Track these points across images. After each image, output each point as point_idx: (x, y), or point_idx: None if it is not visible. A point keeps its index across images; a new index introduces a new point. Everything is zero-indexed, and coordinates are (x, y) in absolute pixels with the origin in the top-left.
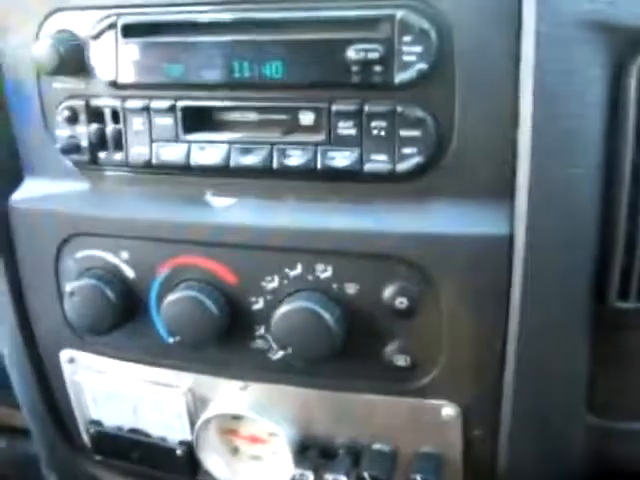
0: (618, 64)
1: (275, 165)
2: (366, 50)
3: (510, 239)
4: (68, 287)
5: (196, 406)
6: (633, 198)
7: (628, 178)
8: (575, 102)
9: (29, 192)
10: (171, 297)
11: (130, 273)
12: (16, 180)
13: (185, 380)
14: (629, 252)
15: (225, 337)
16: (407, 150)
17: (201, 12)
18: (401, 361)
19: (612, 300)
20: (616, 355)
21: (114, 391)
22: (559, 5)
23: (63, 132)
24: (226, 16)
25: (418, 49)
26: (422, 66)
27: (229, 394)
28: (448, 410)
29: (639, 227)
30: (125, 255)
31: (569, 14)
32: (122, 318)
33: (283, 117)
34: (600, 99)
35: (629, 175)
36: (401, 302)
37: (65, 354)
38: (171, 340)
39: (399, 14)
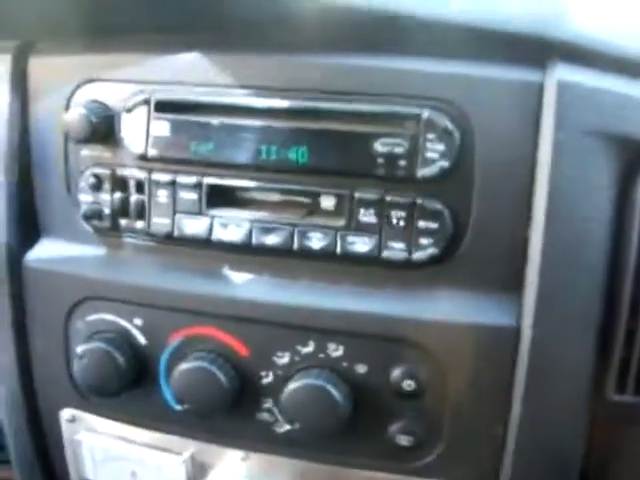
0: (627, 173)
1: (296, 246)
2: (392, 144)
3: (517, 331)
4: (79, 349)
5: (195, 474)
6: (634, 298)
7: (630, 280)
8: (585, 206)
9: (44, 252)
10: (183, 366)
11: (142, 339)
12: (32, 239)
13: (187, 447)
14: (628, 347)
15: (232, 407)
16: (424, 240)
17: (234, 95)
18: (404, 441)
19: (610, 393)
20: (612, 448)
21: (114, 453)
22: (575, 117)
23: (86, 197)
24: (257, 102)
25: (441, 147)
26: (444, 163)
27: (230, 464)
28: None
29: (639, 324)
30: (138, 321)
31: (584, 126)
32: (130, 383)
33: (305, 200)
34: (609, 205)
35: (631, 278)
36: (408, 384)
37: (66, 413)
38: (179, 408)
39: (425, 113)
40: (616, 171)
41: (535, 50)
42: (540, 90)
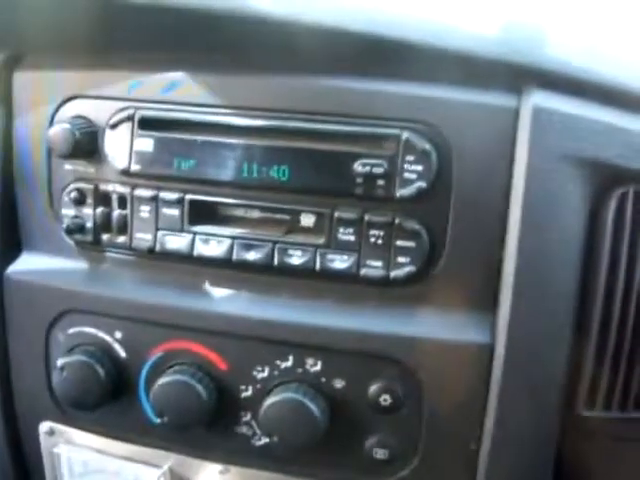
0: (597, 196)
1: (276, 262)
2: (372, 165)
3: (491, 348)
4: (59, 362)
5: None
6: (604, 317)
7: (600, 299)
8: (557, 228)
9: (26, 265)
10: (162, 380)
11: (122, 353)
12: (14, 252)
13: (166, 460)
14: (598, 364)
15: (211, 421)
16: (401, 259)
17: (217, 114)
18: (380, 454)
19: (580, 409)
20: (583, 462)
21: (92, 466)
22: (549, 142)
23: (68, 212)
24: (240, 121)
25: (419, 168)
26: (421, 184)
27: (208, 477)
28: None
29: (609, 343)
30: (119, 335)
31: (557, 150)
32: (110, 396)
33: (285, 217)
34: (580, 226)
35: (601, 297)
36: (385, 399)
37: (45, 426)
38: (158, 421)
39: (405, 135)
40: (588, 194)
41: (512, 76)
42: (516, 114)
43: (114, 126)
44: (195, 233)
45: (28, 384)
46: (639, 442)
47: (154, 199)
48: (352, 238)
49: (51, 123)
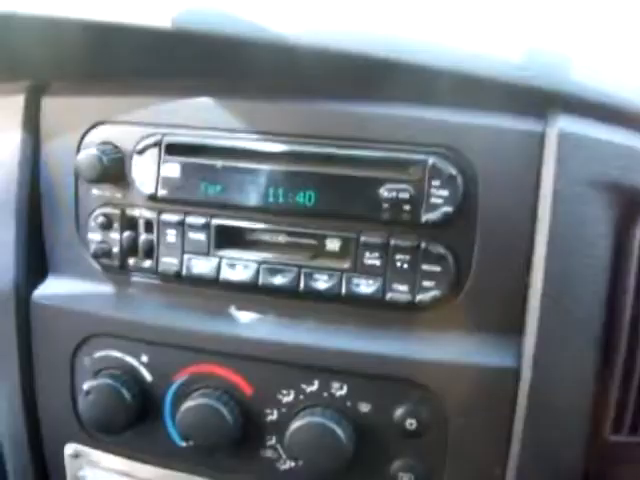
0: (623, 220)
1: (302, 287)
2: (398, 190)
3: (517, 372)
4: (85, 385)
5: None
6: (631, 341)
7: (627, 324)
8: (584, 253)
9: (52, 289)
10: (188, 403)
11: (148, 376)
12: (40, 276)
13: None
14: (624, 388)
15: (236, 444)
16: (427, 283)
17: (243, 140)
18: (405, 479)
19: (606, 434)
20: None
21: None
22: (575, 166)
23: (95, 236)
24: (266, 146)
25: (445, 193)
26: (447, 209)
27: None
28: None
29: (636, 367)
30: (144, 358)
31: (583, 175)
32: (136, 419)
33: (311, 242)
34: (606, 251)
35: (628, 322)
36: (411, 423)
37: (70, 448)
38: (184, 444)
39: (431, 160)
40: (614, 218)
41: (537, 100)
42: (542, 139)
43: (141, 152)
44: (221, 257)
45: (54, 407)
46: None
47: (181, 224)
48: (378, 262)
49: (78, 149)
